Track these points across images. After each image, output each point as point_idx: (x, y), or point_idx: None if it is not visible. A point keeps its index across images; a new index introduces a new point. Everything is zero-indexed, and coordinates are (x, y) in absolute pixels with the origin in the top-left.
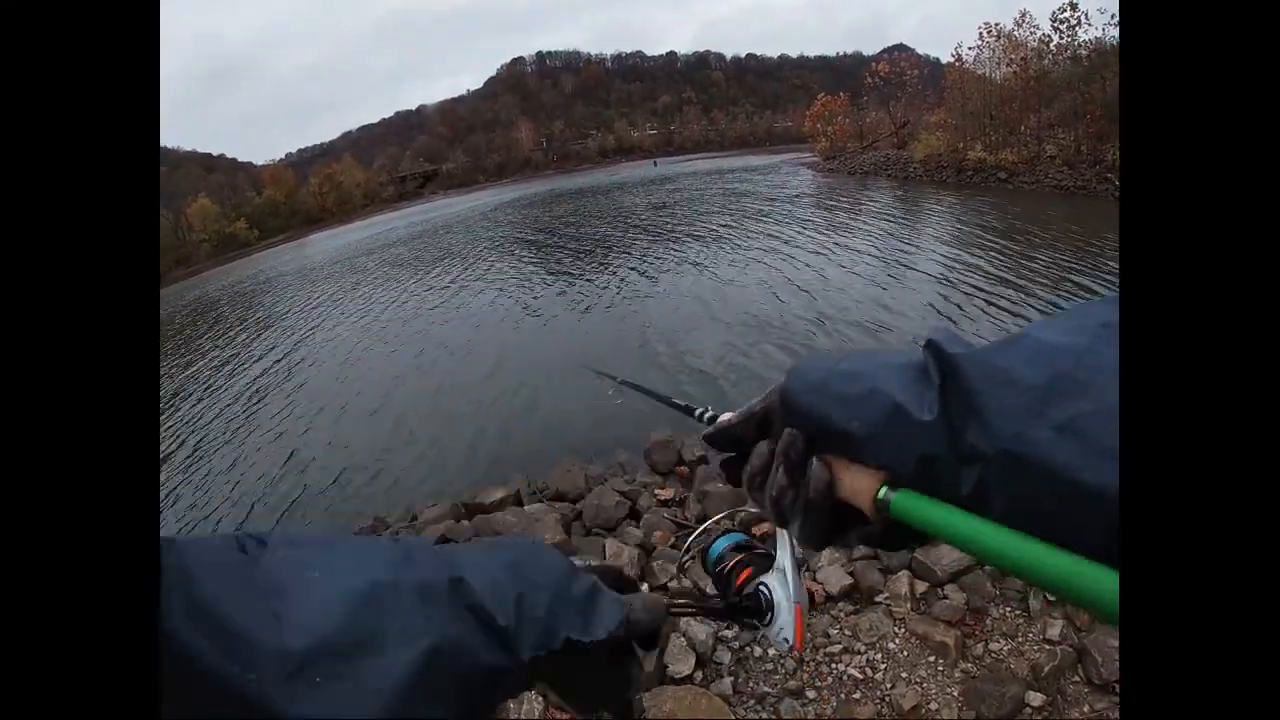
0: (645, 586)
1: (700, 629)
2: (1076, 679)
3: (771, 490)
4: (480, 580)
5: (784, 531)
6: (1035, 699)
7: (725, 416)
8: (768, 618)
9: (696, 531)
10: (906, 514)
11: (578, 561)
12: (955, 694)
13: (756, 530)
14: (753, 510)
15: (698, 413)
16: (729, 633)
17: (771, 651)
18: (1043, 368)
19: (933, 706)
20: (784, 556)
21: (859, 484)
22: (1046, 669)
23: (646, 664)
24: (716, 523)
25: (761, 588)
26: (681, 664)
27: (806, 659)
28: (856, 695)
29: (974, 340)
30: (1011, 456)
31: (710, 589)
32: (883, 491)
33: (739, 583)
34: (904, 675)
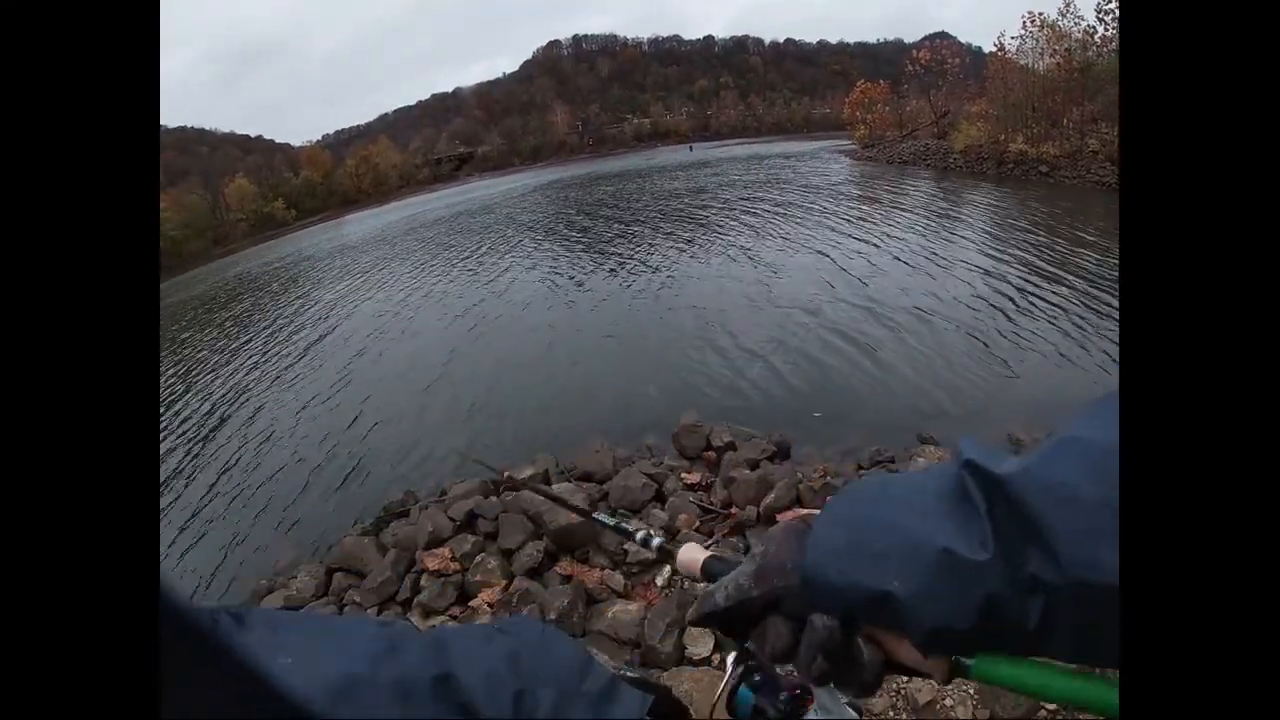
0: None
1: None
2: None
3: (809, 670)
4: (472, 675)
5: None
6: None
7: (686, 553)
8: None
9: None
10: (993, 679)
11: (619, 669)
12: (971, 692)
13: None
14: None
15: (639, 536)
16: None
17: None
18: (1103, 477)
19: (948, 703)
20: (823, 694)
21: (919, 654)
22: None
23: None
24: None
25: None
26: (701, 646)
27: None
28: None
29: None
30: (1087, 586)
31: None
32: (956, 659)
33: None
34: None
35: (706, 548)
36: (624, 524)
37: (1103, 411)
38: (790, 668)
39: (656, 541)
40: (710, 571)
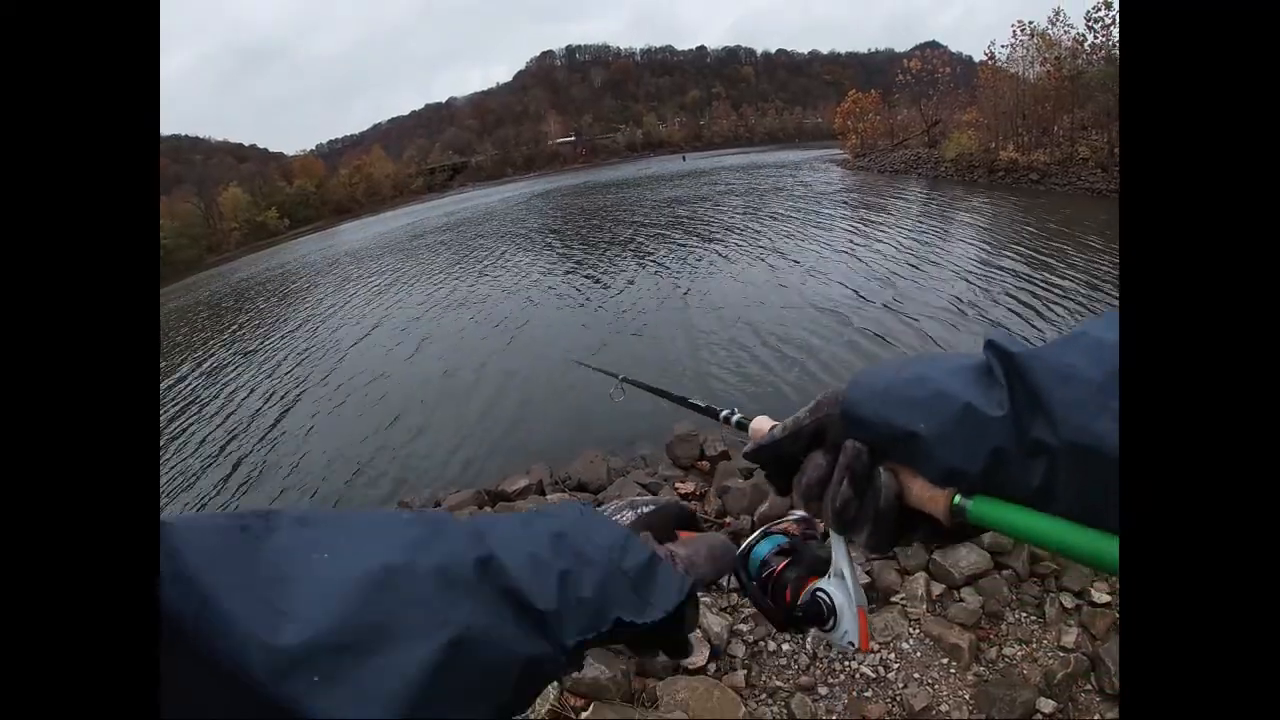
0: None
1: (716, 621)
2: (1089, 687)
3: (834, 501)
4: (516, 558)
5: (839, 536)
6: (1046, 705)
7: (759, 422)
8: (830, 623)
9: (743, 545)
10: (986, 519)
11: (629, 511)
12: (967, 697)
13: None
14: (794, 518)
15: (723, 414)
16: (744, 626)
17: (786, 646)
18: (1100, 363)
19: (943, 708)
20: (840, 560)
21: (928, 490)
22: (1059, 676)
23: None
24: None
25: (820, 594)
26: (696, 656)
27: (819, 655)
28: (868, 694)
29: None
30: (1078, 448)
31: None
32: (958, 499)
33: (789, 591)
34: (916, 676)
35: (776, 419)
36: (711, 405)
37: (1108, 317)
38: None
39: (736, 417)
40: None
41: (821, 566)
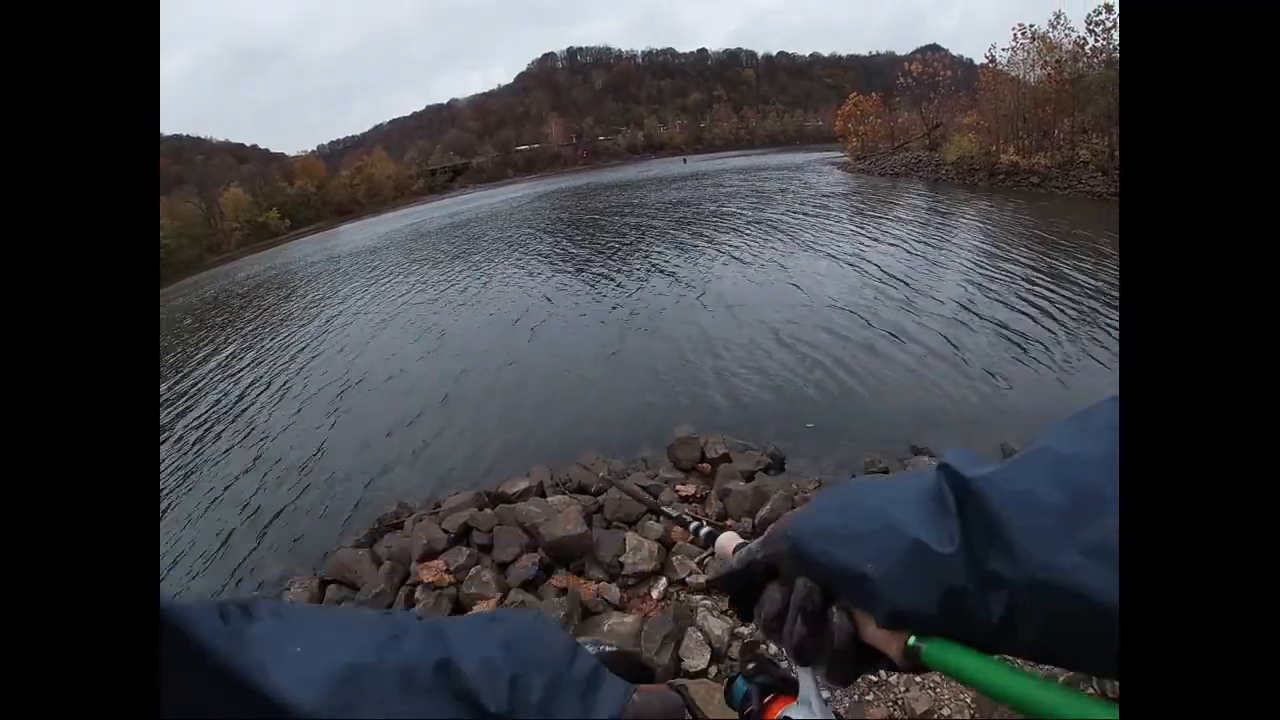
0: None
1: (716, 624)
2: (1091, 690)
3: (791, 639)
4: (471, 661)
5: (805, 669)
6: None
7: (725, 540)
8: None
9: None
10: (942, 665)
11: (590, 646)
12: (968, 700)
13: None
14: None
15: (692, 526)
16: (744, 629)
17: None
18: (1064, 485)
19: (945, 712)
20: (807, 688)
21: (882, 632)
22: (1060, 679)
23: None
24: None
25: None
26: (697, 658)
27: None
28: (870, 697)
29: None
30: (1040, 584)
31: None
32: (912, 640)
33: (766, 715)
34: (917, 680)
35: (743, 538)
36: (684, 515)
37: (1073, 424)
38: (786, 664)
39: (705, 531)
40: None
41: (793, 688)
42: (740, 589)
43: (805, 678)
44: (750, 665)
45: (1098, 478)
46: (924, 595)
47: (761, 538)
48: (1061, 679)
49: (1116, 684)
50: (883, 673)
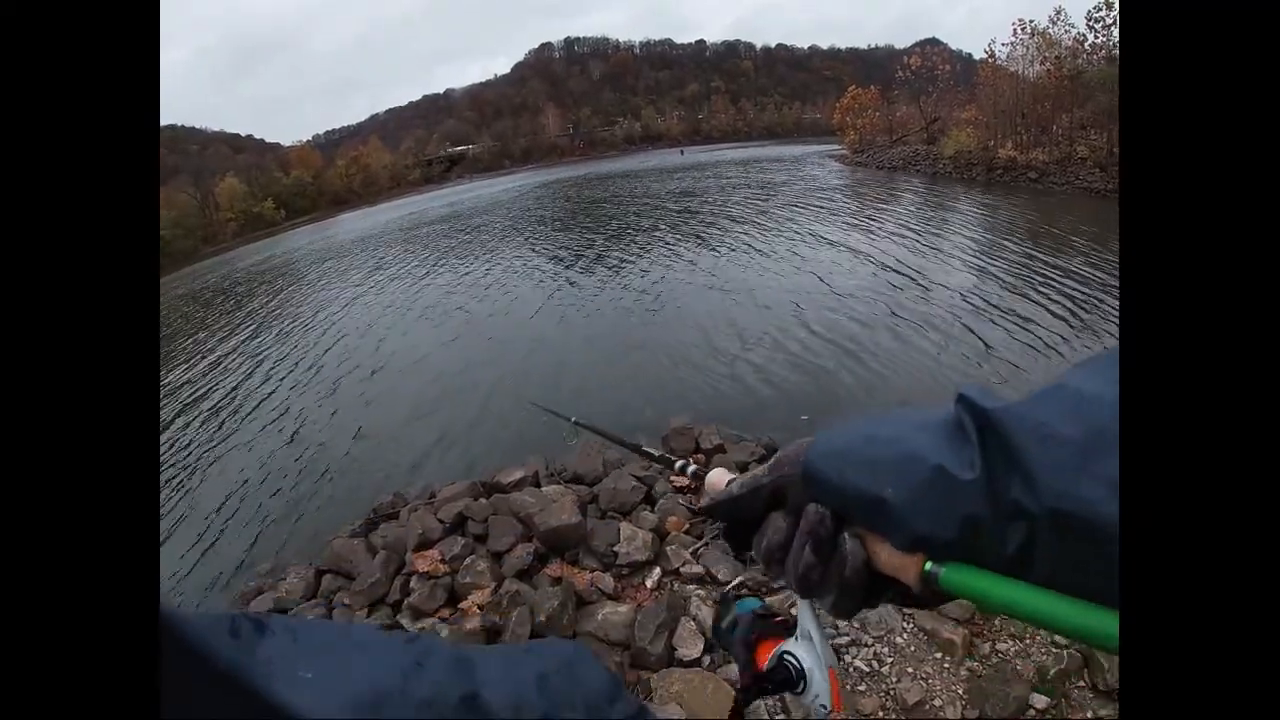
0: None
1: (710, 614)
2: (1082, 684)
3: (796, 568)
4: (500, 696)
5: (805, 601)
6: (1040, 701)
7: (716, 475)
8: (800, 686)
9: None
10: (959, 588)
11: (648, 713)
12: (960, 692)
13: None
14: (761, 576)
15: (678, 465)
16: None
17: None
18: (1081, 421)
19: (937, 703)
20: (807, 622)
21: (897, 557)
22: (1052, 672)
23: None
24: (734, 589)
25: (788, 658)
26: (690, 648)
27: None
28: (862, 688)
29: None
30: (1061, 515)
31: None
32: (929, 566)
33: (759, 654)
34: (910, 670)
35: (733, 472)
36: (666, 455)
37: (1090, 366)
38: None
39: (692, 468)
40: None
41: (790, 628)
42: (737, 517)
43: (805, 611)
44: (743, 593)
45: (1111, 416)
46: (943, 521)
47: (769, 463)
48: None
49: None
50: (874, 662)
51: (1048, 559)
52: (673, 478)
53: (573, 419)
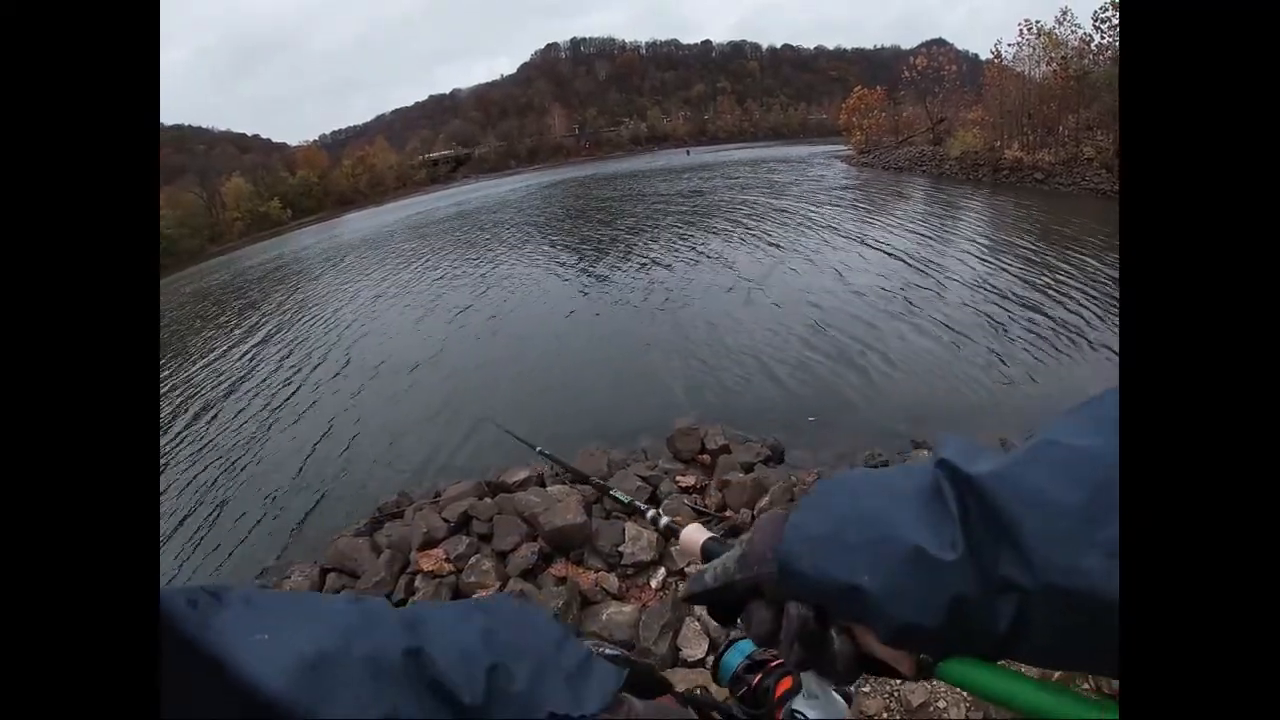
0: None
1: None
2: (1086, 686)
3: (790, 659)
4: (445, 650)
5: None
6: None
7: (690, 533)
8: None
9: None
10: (957, 681)
11: (593, 645)
12: (963, 694)
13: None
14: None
15: (649, 515)
16: None
17: None
18: (1078, 482)
19: (941, 705)
20: (812, 683)
21: (889, 650)
22: (1056, 675)
23: None
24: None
25: (798, 716)
26: (695, 648)
27: None
28: (865, 689)
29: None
30: (1059, 590)
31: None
32: (922, 656)
33: (777, 697)
34: None
35: (708, 528)
36: (636, 502)
37: (1082, 415)
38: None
39: (664, 521)
40: (709, 553)
41: (795, 676)
42: (718, 603)
43: (807, 676)
44: (741, 638)
45: (1110, 472)
46: (927, 607)
47: (738, 552)
48: (1056, 676)
49: (1115, 682)
50: None
51: (1044, 633)
52: (678, 476)
53: (538, 449)
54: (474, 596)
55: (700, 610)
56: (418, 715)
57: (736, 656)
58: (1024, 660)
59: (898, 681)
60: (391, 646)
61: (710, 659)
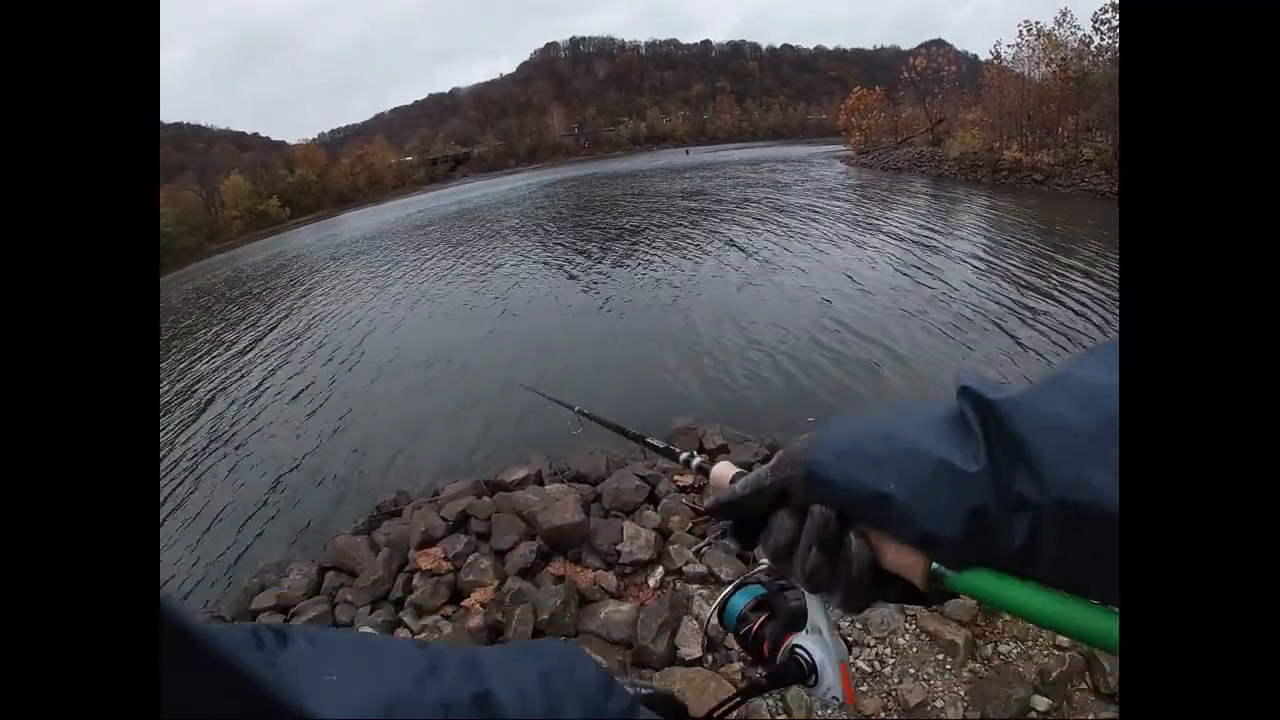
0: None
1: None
2: (1084, 686)
3: (804, 566)
4: (508, 693)
5: (814, 596)
6: (1041, 703)
7: (721, 469)
8: (812, 679)
9: (719, 599)
10: (966, 589)
11: (629, 686)
12: (961, 693)
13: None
14: (765, 567)
15: (682, 457)
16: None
17: None
18: (1092, 410)
19: (938, 704)
20: (817, 616)
21: (905, 557)
22: (1054, 674)
23: None
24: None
25: (799, 651)
26: (693, 646)
27: None
28: (863, 688)
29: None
30: (1069, 505)
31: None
32: (935, 565)
33: (768, 646)
34: (912, 671)
35: (738, 467)
36: (671, 447)
37: (1095, 356)
38: (791, 593)
39: (696, 461)
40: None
41: (799, 619)
42: (742, 516)
43: (814, 606)
44: (750, 581)
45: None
46: (950, 516)
47: (771, 463)
48: None
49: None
50: (876, 662)
51: (1054, 551)
52: (676, 475)
53: (576, 408)
54: (483, 595)
55: (698, 609)
56: None
57: (745, 597)
58: (1038, 580)
59: (885, 668)
60: (460, 692)
61: (708, 657)
